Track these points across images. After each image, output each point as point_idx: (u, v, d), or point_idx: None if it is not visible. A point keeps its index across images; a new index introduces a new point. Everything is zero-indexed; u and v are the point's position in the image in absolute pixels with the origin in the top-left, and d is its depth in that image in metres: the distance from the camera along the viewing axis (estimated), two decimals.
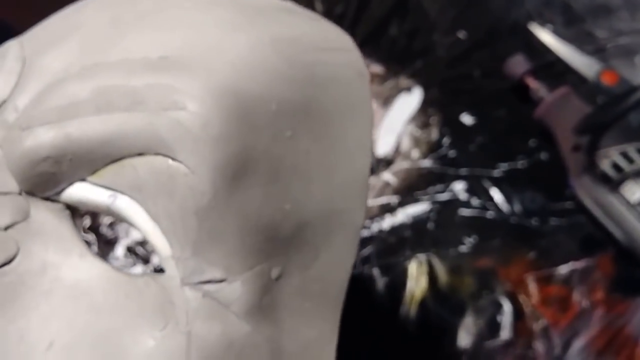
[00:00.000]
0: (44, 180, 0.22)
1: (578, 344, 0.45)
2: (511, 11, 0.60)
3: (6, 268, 0.20)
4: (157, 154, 0.20)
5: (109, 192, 0.21)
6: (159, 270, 0.24)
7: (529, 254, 0.48)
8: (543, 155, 0.53)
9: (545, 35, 0.57)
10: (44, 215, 0.22)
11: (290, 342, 0.22)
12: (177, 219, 0.20)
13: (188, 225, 0.20)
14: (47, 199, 0.22)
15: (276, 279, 0.22)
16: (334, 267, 0.23)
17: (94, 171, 0.21)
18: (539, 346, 0.45)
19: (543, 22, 0.59)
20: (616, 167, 0.46)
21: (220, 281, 0.20)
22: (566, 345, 0.45)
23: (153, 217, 0.21)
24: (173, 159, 0.20)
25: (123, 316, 0.20)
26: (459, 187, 0.52)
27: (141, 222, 0.21)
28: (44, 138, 0.21)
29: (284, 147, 0.22)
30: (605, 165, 0.47)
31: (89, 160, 0.21)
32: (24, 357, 0.20)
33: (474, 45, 0.58)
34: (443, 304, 0.47)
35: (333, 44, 0.26)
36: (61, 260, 0.21)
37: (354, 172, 0.24)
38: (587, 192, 0.49)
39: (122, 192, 0.21)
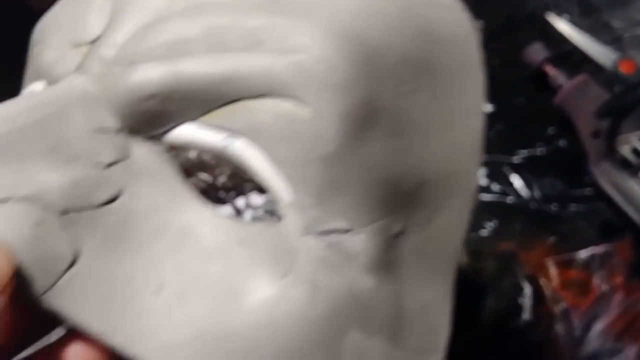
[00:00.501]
0: (149, 119, 0.20)
1: (597, 327, 0.45)
2: (528, 1, 0.60)
3: (111, 207, 0.19)
4: (278, 96, 0.19)
5: (225, 134, 0.20)
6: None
7: (549, 239, 0.49)
8: (562, 142, 0.53)
9: (563, 25, 0.57)
10: (146, 155, 0.21)
11: (410, 301, 0.21)
12: (300, 165, 0.19)
13: (312, 172, 0.19)
14: (149, 139, 0.21)
15: (396, 236, 0.21)
16: (449, 229, 0.22)
17: (206, 111, 0.20)
18: (559, 328, 0.45)
19: (560, 12, 0.59)
20: (636, 152, 0.47)
21: (345, 232, 0.19)
22: (586, 328, 0.45)
23: (274, 162, 0.19)
24: (297, 103, 0.19)
25: (236, 263, 0.19)
26: (479, 173, 0.53)
27: (260, 166, 0.20)
28: (151, 74, 0.19)
29: (404, 100, 0.21)
30: (625, 151, 0.47)
31: (201, 101, 0.20)
32: (131, 300, 0.19)
33: (492, 34, 0.58)
34: (465, 287, 0.48)
35: (445, 2, 0.25)
36: (166, 202, 0.20)
37: (468, 133, 0.23)
38: (606, 177, 0.49)
39: (239, 134, 0.20)
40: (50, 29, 0.23)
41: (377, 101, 0.20)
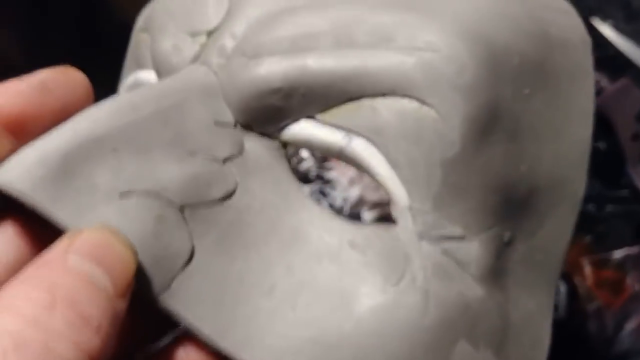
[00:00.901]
0: (268, 114, 0.19)
1: (630, 326, 0.44)
2: (573, 6, 0.62)
3: (227, 203, 0.18)
4: (404, 95, 0.18)
5: (343, 133, 0.19)
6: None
7: (585, 238, 0.47)
8: (601, 144, 0.51)
9: (606, 30, 0.57)
10: (260, 151, 0.20)
11: (515, 312, 0.19)
12: (420, 168, 0.18)
13: (432, 176, 0.18)
14: (263, 134, 0.20)
15: (507, 244, 0.19)
16: (555, 238, 0.21)
17: (325, 109, 0.19)
18: (592, 326, 0.44)
19: (604, 17, 0.59)
20: None
21: (460, 239, 0.18)
22: (618, 327, 0.44)
23: (392, 163, 0.18)
24: (422, 102, 0.18)
25: (347, 267, 0.18)
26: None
27: (379, 167, 0.18)
28: (276, 68, 0.18)
29: (522, 104, 0.19)
30: None
31: (323, 97, 0.18)
32: (245, 299, 0.17)
33: None
34: None
35: (559, 4, 0.23)
36: (279, 201, 0.19)
37: (578, 140, 0.22)
38: None
39: (357, 134, 0.18)
40: (161, 17, 0.22)
41: (499, 105, 0.18)
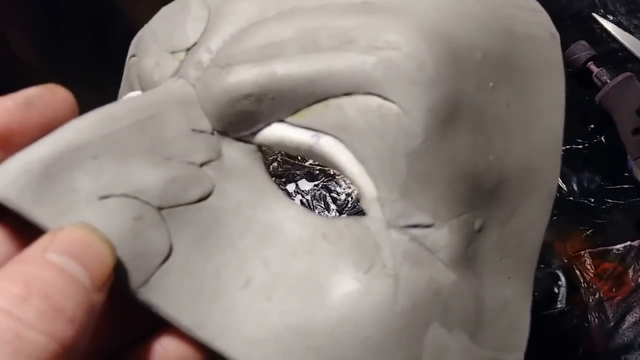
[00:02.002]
0: (241, 120, 0.20)
1: (631, 318, 0.44)
2: (574, 1, 0.59)
3: (203, 203, 0.19)
4: (367, 93, 0.18)
5: (312, 132, 0.19)
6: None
7: (586, 231, 0.48)
8: (602, 138, 0.52)
9: (608, 24, 0.57)
10: (236, 155, 0.20)
11: (491, 297, 0.20)
12: (385, 161, 0.18)
13: (397, 168, 0.18)
14: (239, 139, 0.20)
15: (478, 231, 0.20)
16: (528, 227, 0.21)
17: (294, 111, 0.19)
18: (593, 319, 0.44)
19: (606, 12, 0.57)
20: None
21: (428, 226, 0.18)
22: (619, 320, 0.44)
23: (359, 158, 0.19)
24: (385, 98, 0.18)
25: (321, 257, 0.18)
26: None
27: (346, 162, 0.19)
28: (246, 75, 0.19)
29: (487, 97, 0.20)
30: None
31: (291, 100, 0.19)
32: (221, 292, 0.18)
33: None
34: None
35: (525, 3, 0.23)
36: (254, 200, 0.20)
37: (548, 131, 0.22)
38: None
39: (325, 132, 0.19)
40: (147, 40, 0.23)
41: (461, 97, 0.19)
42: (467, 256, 0.19)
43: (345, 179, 0.51)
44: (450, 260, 0.19)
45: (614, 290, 0.46)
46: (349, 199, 0.50)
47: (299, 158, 0.51)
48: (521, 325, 0.21)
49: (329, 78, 0.19)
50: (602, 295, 0.46)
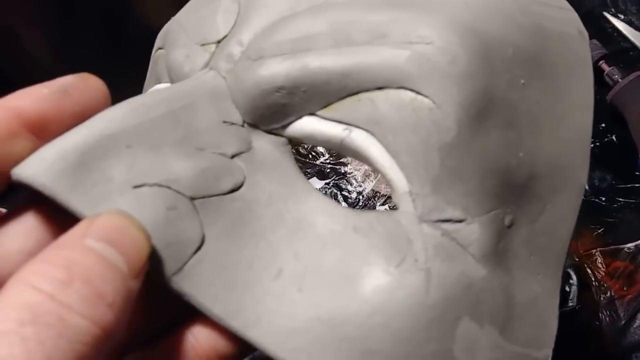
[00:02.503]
0: (272, 112, 0.20)
1: None
2: (585, 0, 0.59)
3: (235, 194, 0.19)
4: (400, 87, 0.18)
5: (343, 126, 0.19)
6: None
7: (597, 230, 0.47)
8: (613, 137, 0.51)
9: (620, 23, 0.57)
10: (267, 147, 0.20)
11: (520, 293, 0.19)
12: (418, 155, 0.18)
13: (429, 162, 0.18)
14: (269, 132, 0.20)
15: (508, 227, 0.19)
16: (558, 224, 0.21)
17: (326, 104, 0.19)
18: (604, 317, 0.43)
19: (617, 12, 0.57)
20: None
21: (460, 221, 0.18)
22: (630, 318, 0.43)
23: (391, 151, 0.19)
24: (418, 92, 0.18)
25: (351, 250, 0.18)
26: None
27: (377, 155, 0.19)
28: (278, 68, 0.19)
29: (518, 94, 0.20)
30: None
31: (323, 93, 0.19)
32: (253, 283, 0.18)
33: None
34: None
35: (553, 1, 0.23)
36: (285, 193, 0.20)
37: (577, 129, 0.22)
38: None
39: (356, 126, 0.19)
40: (175, 32, 0.23)
41: (492, 93, 0.19)
42: (498, 252, 0.19)
43: (356, 177, 0.51)
44: (481, 255, 0.19)
45: (625, 288, 0.46)
46: (360, 197, 0.50)
47: (310, 156, 0.51)
48: (550, 321, 0.21)
49: (362, 72, 0.19)
50: (613, 294, 0.45)
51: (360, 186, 0.51)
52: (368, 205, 0.50)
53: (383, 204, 0.50)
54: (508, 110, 0.19)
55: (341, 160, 0.52)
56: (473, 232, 0.19)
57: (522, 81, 0.20)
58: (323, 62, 0.19)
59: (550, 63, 0.21)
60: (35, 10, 0.48)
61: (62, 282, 0.13)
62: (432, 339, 0.18)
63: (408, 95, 0.18)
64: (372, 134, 0.19)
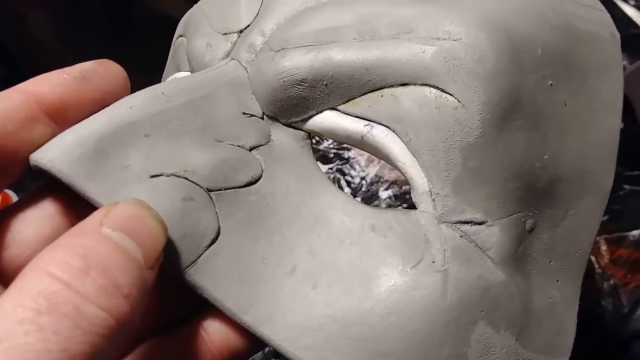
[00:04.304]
0: (293, 105, 0.19)
1: None
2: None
3: (252, 188, 0.18)
4: (424, 84, 0.18)
5: (364, 122, 0.19)
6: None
7: (602, 218, 0.49)
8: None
9: (629, 9, 0.56)
10: (286, 141, 0.20)
11: (538, 299, 0.19)
12: (439, 154, 0.18)
13: (451, 162, 0.18)
14: (289, 125, 0.20)
15: (529, 231, 0.19)
16: (580, 229, 0.20)
17: (348, 99, 0.19)
18: (607, 304, 0.43)
19: None
20: None
21: (480, 223, 0.18)
22: (634, 306, 0.43)
23: (412, 149, 0.18)
24: (442, 90, 0.18)
25: (368, 249, 0.18)
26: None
27: (398, 153, 0.18)
28: (301, 60, 0.19)
29: (545, 95, 0.19)
30: None
31: (346, 87, 0.19)
32: (267, 278, 0.18)
33: None
34: None
35: (587, 1, 0.23)
36: (303, 188, 0.19)
37: (605, 132, 0.21)
38: None
39: (378, 122, 0.18)
40: (197, 20, 0.22)
41: (519, 93, 0.18)
42: (517, 256, 0.19)
43: (359, 162, 0.51)
44: (500, 259, 0.18)
45: (629, 276, 0.45)
46: (363, 182, 0.50)
47: (313, 141, 0.51)
48: (568, 329, 0.20)
49: (387, 67, 0.18)
50: (617, 282, 0.45)
51: (364, 171, 0.50)
52: (371, 190, 0.49)
53: (386, 189, 0.49)
54: (535, 111, 0.19)
55: (344, 145, 0.52)
56: (493, 235, 0.18)
57: (550, 82, 0.19)
58: (347, 55, 0.18)
59: (580, 64, 0.20)
60: None
61: (79, 270, 0.13)
62: (446, 342, 0.17)
63: (432, 92, 0.18)
64: (394, 130, 0.18)
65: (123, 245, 0.14)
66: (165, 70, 0.26)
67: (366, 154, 0.50)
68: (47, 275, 0.13)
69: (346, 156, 0.51)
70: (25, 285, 0.13)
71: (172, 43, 0.25)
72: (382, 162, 0.50)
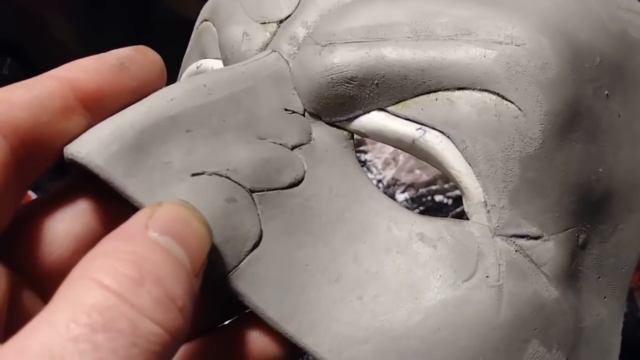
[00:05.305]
0: (339, 104, 0.18)
1: None
2: None
3: (295, 189, 0.17)
4: (483, 89, 0.17)
5: (417, 125, 0.18)
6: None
7: None
8: None
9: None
10: (328, 140, 0.19)
11: (588, 316, 0.18)
12: (497, 163, 0.17)
13: (509, 172, 0.17)
14: (331, 124, 0.19)
15: (581, 247, 0.18)
16: (627, 245, 0.20)
17: (398, 100, 0.18)
18: None
19: None
20: None
21: (536, 238, 0.17)
22: None
23: (468, 157, 0.17)
24: (503, 97, 0.17)
25: (416, 259, 0.17)
26: None
27: (452, 160, 0.17)
28: (351, 57, 0.17)
29: (601, 105, 0.18)
30: None
31: (398, 88, 0.18)
32: (308, 287, 0.17)
33: None
34: None
35: (636, 8, 0.22)
36: (346, 190, 0.18)
37: None
38: None
39: (431, 127, 0.17)
40: (230, 6, 0.21)
41: (580, 103, 0.17)
42: (570, 272, 0.18)
43: (376, 165, 0.51)
44: (554, 275, 0.17)
45: None
46: (380, 185, 0.50)
47: None
48: (613, 348, 0.20)
49: (444, 69, 0.17)
50: (631, 285, 0.45)
51: (380, 174, 0.50)
52: (387, 193, 0.49)
53: (403, 192, 0.49)
54: (592, 122, 0.18)
55: (361, 148, 0.52)
56: (548, 250, 0.17)
57: (607, 92, 0.19)
58: (401, 54, 0.17)
59: (634, 74, 0.20)
60: (65, 1, 0.47)
61: (133, 281, 0.12)
62: None
63: (492, 98, 0.17)
64: (448, 136, 0.17)
65: (173, 251, 0.13)
66: (185, 56, 0.24)
67: (383, 157, 0.50)
68: (98, 286, 0.12)
69: (363, 159, 0.51)
70: (75, 297, 0.12)
71: (195, 27, 0.24)
72: (399, 165, 0.49)
